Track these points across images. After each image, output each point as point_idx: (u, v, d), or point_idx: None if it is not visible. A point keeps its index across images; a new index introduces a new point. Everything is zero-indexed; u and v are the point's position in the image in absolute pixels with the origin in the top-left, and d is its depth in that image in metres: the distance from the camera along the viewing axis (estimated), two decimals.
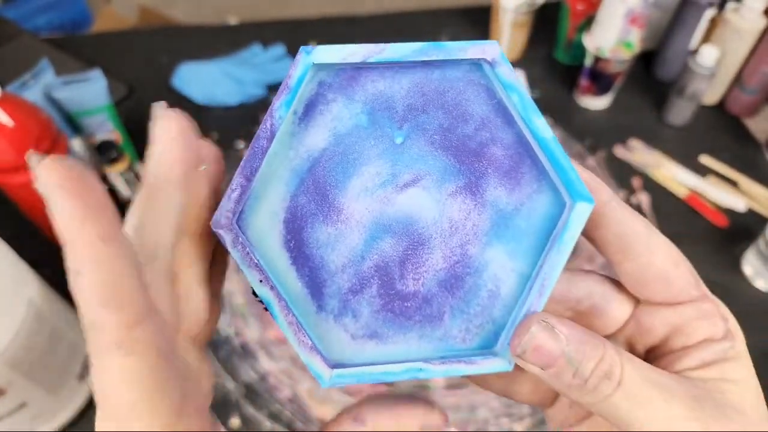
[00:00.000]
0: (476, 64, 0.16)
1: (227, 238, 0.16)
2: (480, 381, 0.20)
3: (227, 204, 0.16)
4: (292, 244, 0.16)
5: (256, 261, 0.16)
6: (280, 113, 0.15)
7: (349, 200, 0.16)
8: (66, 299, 0.54)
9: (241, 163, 0.16)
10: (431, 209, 0.17)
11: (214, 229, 0.15)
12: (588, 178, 0.17)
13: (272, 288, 0.16)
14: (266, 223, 0.16)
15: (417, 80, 0.16)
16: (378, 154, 0.16)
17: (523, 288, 0.17)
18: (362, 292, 0.17)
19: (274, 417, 0.53)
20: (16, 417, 0.46)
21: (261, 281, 0.16)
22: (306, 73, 0.15)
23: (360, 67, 0.16)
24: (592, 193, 0.17)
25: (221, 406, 0.54)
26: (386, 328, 0.17)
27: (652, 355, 0.18)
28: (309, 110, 0.16)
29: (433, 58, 0.16)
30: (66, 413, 0.51)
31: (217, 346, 0.58)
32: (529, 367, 0.16)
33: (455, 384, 0.55)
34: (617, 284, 0.19)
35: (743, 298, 0.61)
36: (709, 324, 0.17)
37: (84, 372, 0.52)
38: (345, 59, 0.15)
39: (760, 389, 0.17)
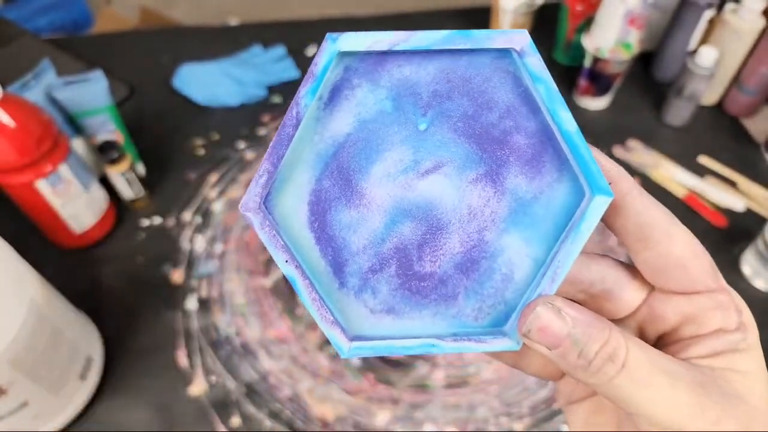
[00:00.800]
0: (505, 50, 0.16)
1: (255, 221, 0.16)
2: (494, 354, 0.20)
3: (255, 189, 0.16)
4: (316, 225, 0.17)
5: (282, 242, 0.17)
6: (306, 101, 0.16)
7: (371, 185, 0.17)
8: (67, 299, 0.54)
9: (268, 149, 0.16)
10: (451, 196, 0.17)
11: (243, 212, 0.16)
12: (611, 168, 0.17)
13: (297, 267, 0.17)
14: (292, 205, 0.17)
15: (444, 66, 0.16)
16: (401, 140, 0.17)
17: (536, 273, 0.18)
18: (381, 272, 0.18)
19: (275, 416, 0.54)
20: (18, 416, 0.47)
21: (287, 261, 0.17)
22: (331, 61, 0.16)
23: (386, 53, 0.16)
24: (614, 183, 0.17)
25: (222, 406, 0.54)
26: (403, 305, 0.18)
27: (662, 342, 0.18)
28: (334, 95, 0.16)
29: (460, 47, 0.16)
30: (67, 413, 0.51)
31: (218, 346, 0.58)
32: (536, 346, 0.16)
33: (455, 383, 0.56)
34: (632, 270, 0.19)
35: (742, 298, 0.62)
36: (723, 315, 0.17)
37: (85, 372, 0.52)
38: (371, 47, 0.15)
39: None
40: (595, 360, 0.15)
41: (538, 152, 0.17)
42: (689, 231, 0.17)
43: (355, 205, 0.17)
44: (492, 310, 0.18)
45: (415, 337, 0.17)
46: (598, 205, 0.16)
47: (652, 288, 0.18)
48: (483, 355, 0.57)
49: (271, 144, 0.16)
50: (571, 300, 0.18)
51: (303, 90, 0.16)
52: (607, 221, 0.18)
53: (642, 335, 0.19)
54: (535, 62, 0.16)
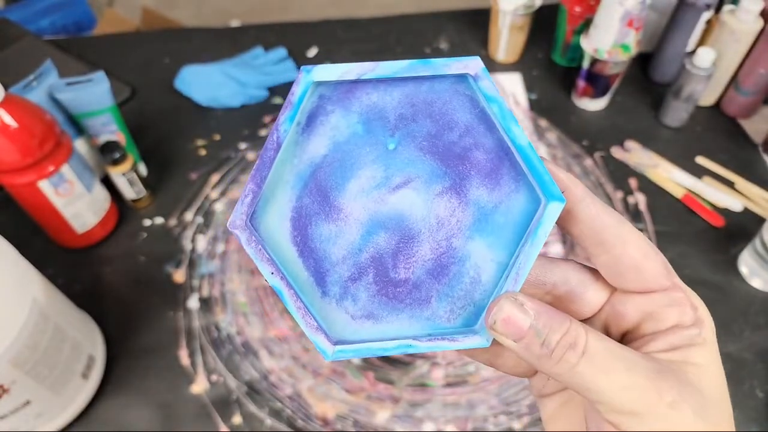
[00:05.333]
0: (461, 75, 0.18)
1: (242, 237, 0.18)
2: (470, 354, 0.21)
3: (241, 208, 0.17)
4: (298, 240, 0.19)
5: (268, 256, 0.18)
6: (285, 127, 0.17)
7: (347, 200, 0.18)
8: (69, 298, 0.55)
9: (252, 172, 0.18)
10: (420, 207, 0.19)
11: (231, 229, 0.17)
12: (564, 178, 0.19)
13: (282, 278, 0.18)
14: (276, 222, 0.18)
15: (407, 92, 0.18)
16: (373, 159, 0.18)
17: (500, 275, 0.19)
18: (360, 280, 0.19)
19: (275, 414, 0.54)
20: (20, 415, 0.47)
21: (272, 273, 0.18)
22: (307, 91, 0.17)
23: (356, 81, 0.18)
24: (567, 192, 0.19)
25: (223, 404, 0.55)
26: (381, 310, 0.19)
27: (626, 339, 0.19)
28: (311, 121, 0.18)
29: (421, 74, 0.17)
30: (69, 412, 0.52)
31: (219, 345, 0.59)
32: (502, 339, 0.17)
33: (454, 382, 0.56)
34: (594, 272, 0.20)
35: (740, 298, 0.62)
36: (679, 311, 0.18)
37: (87, 371, 0.53)
38: (341, 77, 0.17)
39: (722, 375, 0.18)
40: (557, 348, 0.16)
41: (496, 166, 0.19)
42: (641, 234, 0.19)
43: (334, 219, 0.19)
44: (462, 311, 0.19)
45: (393, 339, 0.19)
46: (553, 211, 0.18)
47: (613, 289, 0.20)
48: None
49: (254, 166, 0.18)
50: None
51: (282, 117, 0.17)
52: (566, 228, 0.19)
53: (607, 333, 0.20)
54: (488, 85, 0.18)
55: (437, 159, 0.18)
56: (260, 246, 0.18)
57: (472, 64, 0.17)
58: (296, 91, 0.17)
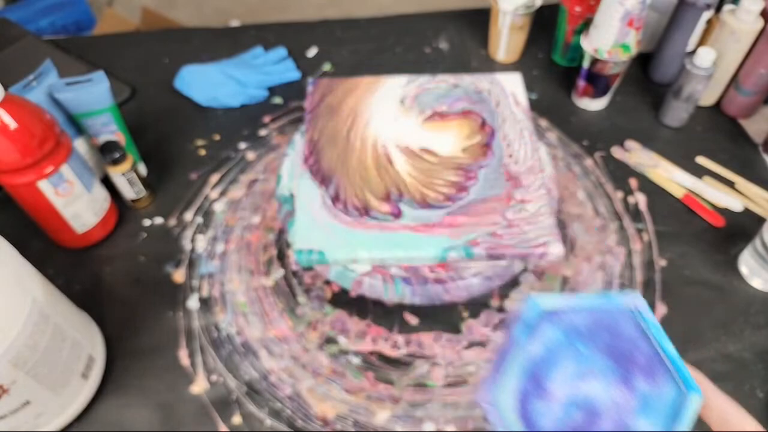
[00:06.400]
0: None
1: (492, 411, 0.27)
2: None
3: (491, 387, 0.27)
4: (521, 413, 0.27)
5: (507, 424, 0.26)
6: (519, 335, 0.28)
7: (554, 386, 0.27)
8: (69, 298, 0.55)
9: (495, 360, 0.28)
10: (603, 393, 0.27)
11: (482, 403, 0.27)
12: (697, 377, 0.27)
13: None
14: (507, 399, 0.27)
15: (594, 316, 0.28)
16: (570, 357, 0.27)
17: None
18: None
19: (275, 415, 0.54)
20: (20, 415, 0.47)
21: None
22: (535, 313, 0.28)
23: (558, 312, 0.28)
24: (702, 386, 0.27)
25: (223, 404, 0.55)
26: None
27: None
28: (531, 332, 0.28)
29: (604, 305, 0.28)
30: (69, 412, 0.52)
31: (219, 345, 0.59)
32: None
33: (454, 382, 0.56)
34: None
35: (740, 298, 0.62)
36: None
37: (86, 371, 0.53)
38: (556, 307, 0.28)
39: None
40: None
41: (652, 367, 0.27)
42: (754, 419, 0.28)
43: (544, 399, 0.27)
44: None
45: None
46: (695, 400, 0.26)
47: None
48: (482, 354, 0.58)
49: (497, 356, 0.28)
50: None
51: (516, 329, 0.28)
52: (701, 412, 0.27)
53: None
54: (647, 313, 0.28)
55: (612, 359, 0.27)
56: (500, 416, 0.27)
57: (638, 301, 0.28)
58: (528, 314, 0.28)
